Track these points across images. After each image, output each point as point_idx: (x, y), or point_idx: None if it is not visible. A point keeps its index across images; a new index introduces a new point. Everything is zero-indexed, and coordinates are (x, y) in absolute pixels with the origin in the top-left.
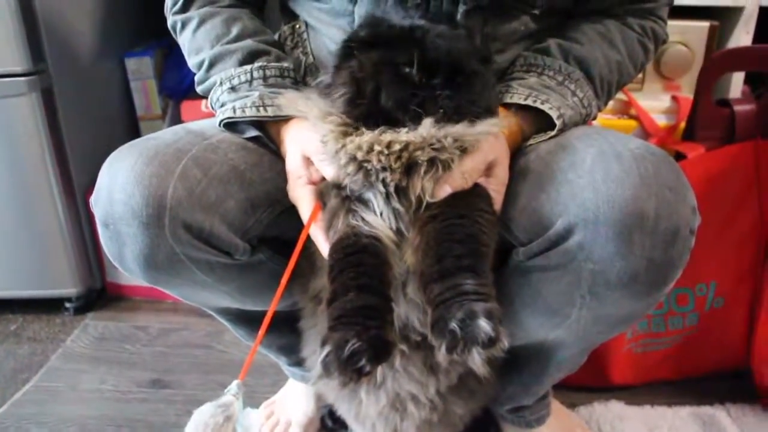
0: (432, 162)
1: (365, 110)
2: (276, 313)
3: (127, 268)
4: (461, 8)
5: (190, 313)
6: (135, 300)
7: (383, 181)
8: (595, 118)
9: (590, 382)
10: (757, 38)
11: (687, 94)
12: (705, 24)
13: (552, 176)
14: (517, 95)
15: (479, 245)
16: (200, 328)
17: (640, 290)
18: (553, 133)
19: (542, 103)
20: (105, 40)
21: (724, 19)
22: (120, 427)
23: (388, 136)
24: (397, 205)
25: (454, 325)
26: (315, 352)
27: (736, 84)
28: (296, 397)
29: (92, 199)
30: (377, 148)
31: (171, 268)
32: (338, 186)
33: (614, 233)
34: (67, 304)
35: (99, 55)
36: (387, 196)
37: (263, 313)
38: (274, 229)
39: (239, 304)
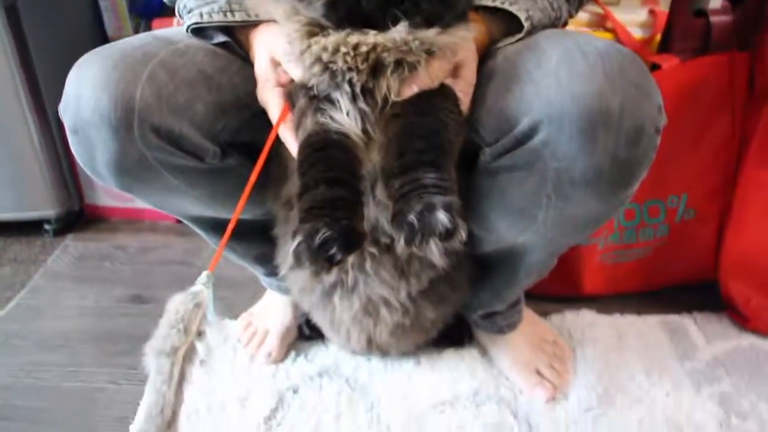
0: (399, 63)
1: (344, 13)
2: (250, 222)
3: (99, 174)
4: None
5: (169, 232)
6: (113, 221)
7: (349, 81)
8: (566, 24)
9: (562, 292)
10: None
11: (665, 8)
12: None
13: (518, 75)
14: None
15: (441, 141)
16: (179, 246)
17: (604, 189)
18: (521, 35)
19: (510, 5)
20: None
21: None
22: (101, 340)
23: (355, 37)
24: (363, 105)
25: (411, 217)
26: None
27: None
28: (274, 308)
29: (60, 107)
30: (343, 49)
31: (142, 172)
32: (306, 87)
33: (578, 129)
34: (47, 226)
35: None
36: (353, 97)
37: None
38: (244, 134)
39: (211, 210)
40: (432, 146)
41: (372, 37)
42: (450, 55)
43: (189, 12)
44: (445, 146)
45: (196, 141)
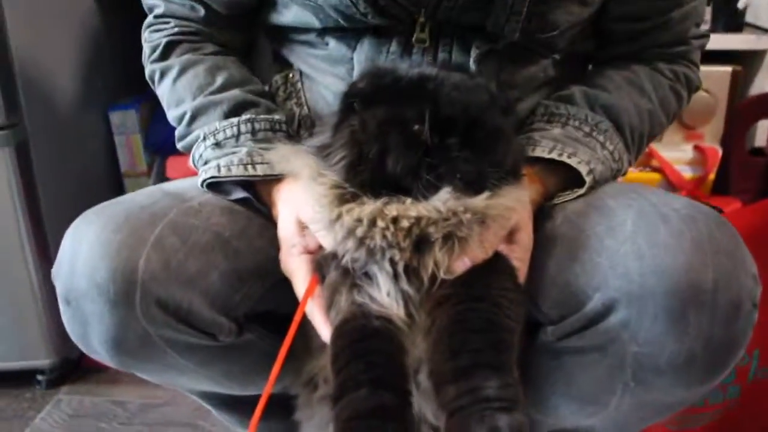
0: (447, 237)
1: (369, 177)
2: (269, 399)
3: (93, 351)
4: (474, 53)
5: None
6: (114, 371)
7: (390, 259)
8: (625, 174)
9: None
10: None
11: (710, 143)
12: (727, 69)
13: (586, 243)
14: (540, 148)
15: (501, 334)
16: (185, 404)
17: (695, 375)
18: (582, 191)
19: (569, 157)
20: (87, 91)
21: (746, 63)
22: None
23: (394, 208)
24: (407, 287)
25: None
26: None
27: (762, 131)
28: None
29: (53, 271)
30: (381, 223)
31: (144, 351)
32: (338, 256)
33: (664, 309)
34: (39, 377)
35: (81, 107)
36: (395, 276)
37: (252, 398)
38: (264, 304)
39: (225, 389)
40: (490, 343)
41: (413, 208)
42: (504, 222)
43: (205, 164)
44: (505, 340)
45: (209, 317)
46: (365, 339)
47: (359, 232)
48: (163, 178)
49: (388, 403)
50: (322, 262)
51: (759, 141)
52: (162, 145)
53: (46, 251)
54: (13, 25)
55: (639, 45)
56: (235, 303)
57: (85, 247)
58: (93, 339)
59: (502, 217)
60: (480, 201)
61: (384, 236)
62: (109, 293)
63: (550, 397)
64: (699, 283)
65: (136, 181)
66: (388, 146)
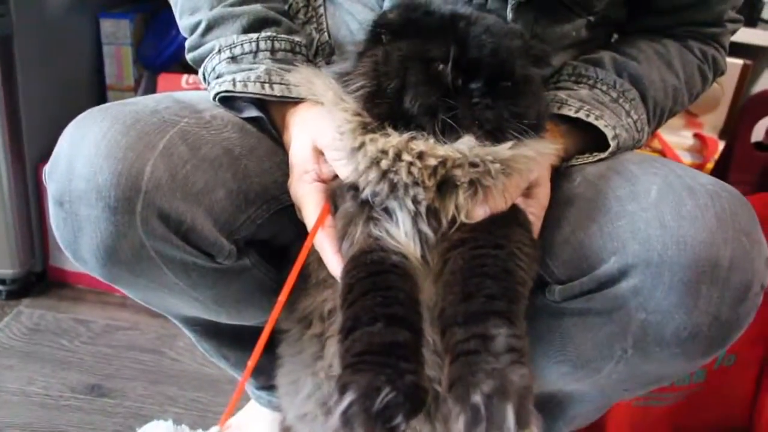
0: (471, 183)
1: (386, 111)
2: (249, 329)
3: (81, 258)
4: (512, 1)
5: (142, 311)
6: (79, 289)
7: (413, 197)
8: (641, 146)
9: None
10: None
11: (709, 132)
12: (738, 62)
13: (606, 205)
14: (567, 107)
15: (515, 284)
16: (151, 329)
17: (695, 350)
18: (604, 155)
19: (596, 119)
20: None
21: (757, 58)
22: None
23: (421, 144)
24: (426, 228)
25: (477, 399)
26: (294, 383)
27: (762, 126)
28: (258, 424)
29: (47, 169)
30: (407, 157)
31: (136, 265)
32: (356, 188)
33: (680, 280)
34: (0, 287)
35: (71, 8)
36: (415, 215)
37: (235, 327)
38: (265, 230)
39: (212, 315)
40: (505, 291)
41: (440, 148)
42: (526, 173)
43: (218, 77)
44: (520, 291)
45: (210, 236)
46: (383, 273)
47: (384, 164)
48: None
49: (403, 341)
50: (336, 192)
51: (756, 136)
52: (153, 60)
53: (20, 155)
54: None
55: (675, 19)
56: (239, 224)
57: (88, 146)
58: (83, 246)
59: (527, 170)
60: (506, 151)
61: (410, 172)
62: (109, 198)
63: (540, 360)
64: (717, 259)
65: (121, 95)
66: (407, 83)
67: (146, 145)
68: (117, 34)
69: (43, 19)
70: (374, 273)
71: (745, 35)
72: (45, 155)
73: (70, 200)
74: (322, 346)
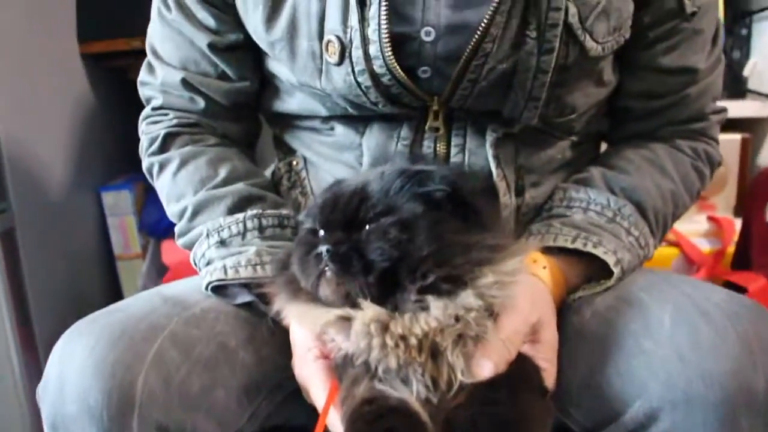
0: (459, 340)
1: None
2: None
3: None
4: (490, 137)
5: None
6: None
7: (407, 377)
8: (650, 260)
9: None
10: None
11: (723, 213)
12: (736, 137)
13: (620, 342)
14: (562, 237)
15: None
16: None
17: None
18: (610, 282)
19: (594, 247)
20: (78, 172)
21: (753, 131)
22: None
23: (398, 326)
24: (431, 395)
25: None
26: None
27: None
28: None
29: (39, 391)
30: (390, 342)
31: None
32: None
33: (715, 417)
34: None
35: (72, 188)
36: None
37: None
38: (277, 416)
39: None
40: None
41: (416, 324)
42: (522, 313)
43: (208, 263)
44: None
45: None
46: (383, 416)
47: (374, 354)
48: (158, 262)
49: None
50: (339, 364)
51: None
52: (157, 227)
53: (30, 340)
54: (0, 107)
55: (656, 122)
56: (244, 421)
57: (76, 365)
58: None
59: (505, 296)
60: (473, 292)
61: (397, 357)
62: (102, 420)
63: None
64: (750, 387)
65: (130, 264)
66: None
67: (135, 356)
68: (119, 205)
69: (45, 205)
70: (372, 420)
71: (737, 109)
72: (57, 339)
73: (64, 424)
74: None
